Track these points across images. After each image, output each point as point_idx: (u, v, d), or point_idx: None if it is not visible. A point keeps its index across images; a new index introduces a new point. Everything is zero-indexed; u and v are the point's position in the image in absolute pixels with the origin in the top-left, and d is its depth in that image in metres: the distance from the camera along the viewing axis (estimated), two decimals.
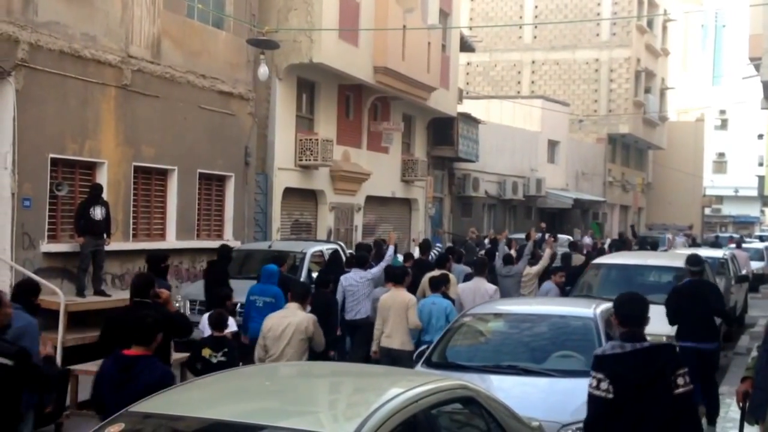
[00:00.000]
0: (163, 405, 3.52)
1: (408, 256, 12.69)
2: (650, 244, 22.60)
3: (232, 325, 7.55)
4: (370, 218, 19.84)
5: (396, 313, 8.20)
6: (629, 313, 4.44)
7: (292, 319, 6.68)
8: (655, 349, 4.40)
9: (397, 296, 8.33)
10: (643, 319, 4.46)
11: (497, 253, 13.06)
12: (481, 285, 9.61)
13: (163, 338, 4.90)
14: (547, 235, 15.02)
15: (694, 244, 26.75)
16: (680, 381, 4.33)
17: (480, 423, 3.96)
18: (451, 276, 10.14)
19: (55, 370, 5.04)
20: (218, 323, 6.90)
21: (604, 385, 4.31)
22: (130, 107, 11.85)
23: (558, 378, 6.15)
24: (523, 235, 17.13)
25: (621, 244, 21.18)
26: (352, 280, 9.77)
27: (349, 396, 3.82)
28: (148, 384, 4.32)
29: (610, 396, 4.26)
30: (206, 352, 6.72)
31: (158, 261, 7.97)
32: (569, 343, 6.71)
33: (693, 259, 8.58)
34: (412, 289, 9.61)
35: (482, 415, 3.95)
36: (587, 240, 23.81)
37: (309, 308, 7.19)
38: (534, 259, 12.62)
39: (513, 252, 13.08)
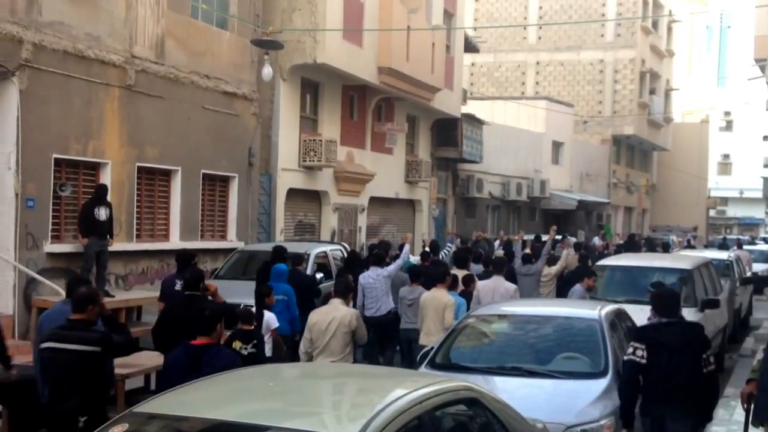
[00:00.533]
0: (168, 405, 3.51)
1: (425, 255, 12.86)
2: (661, 245, 22.48)
3: (272, 320, 7.94)
4: (374, 219, 19.82)
5: (434, 311, 8.45)
6: (664, 305, 5.63)
7: (335, 314, 7.10)
8: (688, 325, 5.74)
9: (436, 296, 8.55)
10: (676, 309, 5.63)
11: (515, 253, 13.31)
12: (501, 284, 9.71)
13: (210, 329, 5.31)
14: (561, 236, 15.19)
15: (689, 246, 25.70)
16: (711, 360, 5.48)
17: (484, 424, 3.94)
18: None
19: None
20: (247, 317, 7.22)
21: (639, 352, 5.39)
22: (133, 108, 11.85)
23: (562, 379, 6.12)
24: (530, 237, 17.21)
25: (631, 246, 21.27)
26: (369, 278, 9.86)
27: (353, 397, 3.80)
28: (217, 369, 4.60)
29: (644, 362, 5.37)
30: (237, 345, 6.92)
31: (188, 258, 8.65)
32: (574, 345, 6.68)
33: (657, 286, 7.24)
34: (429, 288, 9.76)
35: (486, 416, 3.92)
36: (597, 241, 23.71)
37: (352, 303, 7.64)
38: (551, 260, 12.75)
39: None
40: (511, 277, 11.20)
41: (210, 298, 7.16)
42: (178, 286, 8.23)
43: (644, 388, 5.45)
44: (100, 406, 5.22)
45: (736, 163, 55.99)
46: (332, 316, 7.08)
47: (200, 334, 5.14)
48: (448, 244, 17.54)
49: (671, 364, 5.34)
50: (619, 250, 20.01)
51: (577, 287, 10.39)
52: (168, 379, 5.02)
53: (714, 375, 5.53)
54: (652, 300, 5.77)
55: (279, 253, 10.11)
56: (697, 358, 5.38)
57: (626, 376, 5.51)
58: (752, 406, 5.29)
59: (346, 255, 12.45)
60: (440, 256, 13.42)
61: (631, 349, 5.44)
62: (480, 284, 9.95)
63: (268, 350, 7.62)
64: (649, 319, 5.96)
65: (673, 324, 5.51)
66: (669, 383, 5.32)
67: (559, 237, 15.69)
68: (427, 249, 13.90)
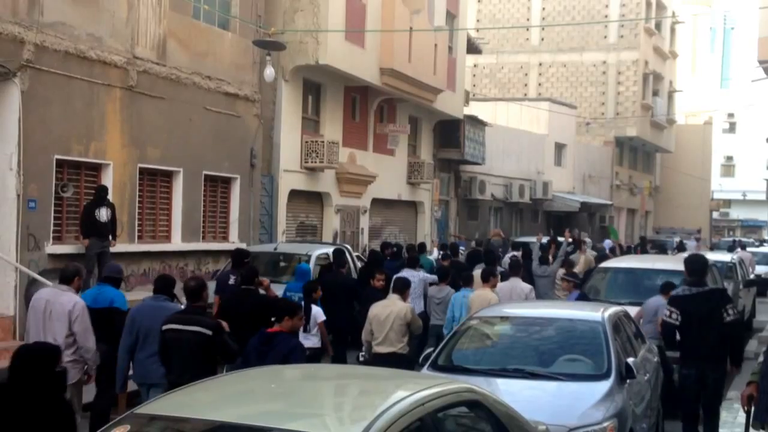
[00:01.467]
0: (169, 407, 3.49)
1: (446, 255, 13.45)
2: (677, 247, 22.77)
3: (319, 313, 8.54)
4: (376, 221, 19.79)
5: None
6: (693, 268, 7.09)
7: (393, 308, 7.90)
8: (711, 292, 7.11)
9: (481, 295, 9.16)
10: (704, 272, 7.16)
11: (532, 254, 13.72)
12: (517, 284, 9.97)
13: (264, 319, 6.25)
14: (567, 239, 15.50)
15: (680, 248, 23.60)
16: (730, 312, 6.87)
17: (486, 426, 3.92)
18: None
19: (235, 346, 6.13)
20: (294, 310, 7.94)
21: (674, 315, 6.92)
22: (135, 108, 11.84)
23: (565, 381, 6.09)
24: (533, 239, 17.18)
25: (644, 247, 22.26)
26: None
27: (355, 399, 3.77)
28: (283, 353, 5.62)
29: (677, 323, 6.91)
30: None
31: (242, 256, 9.79)
32: (577, 347, 6.65)
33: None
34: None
35: (488, 418, 3.90)
36: (608, 244, 23.95)
37: (409, 299, 8.50)
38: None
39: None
40: (529, 278, 11.79)
41: (263, 292, 8.35)
42: (232, 280, 9.42)
43: (682, 347, 6.96)
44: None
45: (740, 165, 55.90)
46: (390, 310, 7.86)
47: (278, 322, 5.97)
48: (461, 247, 17.73)
49: (701, 330, 6.77)
50: (630, 251, 20.41)
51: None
52: (246, 361, 5.78)
53: (734, 324, 6.93)
54: (685, 262, 7.25)
55: (338, 255, 10.89)
56: (720, 318, 6.77)
57: (665, 334, 7.17)
58: (753, 408, 5.27)
59: (350, 257, 12.51)
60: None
61: (668, 312, 7.00)
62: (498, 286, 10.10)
63: (316, 342, 8.36)
64: (680, 286, 7.40)
65: (698, 294, 6.90)
66: (702, 345, 6.75)
67: (570, 240, 15.72)
68: (435, 250, 14.76)
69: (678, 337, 6.99)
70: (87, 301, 6.87)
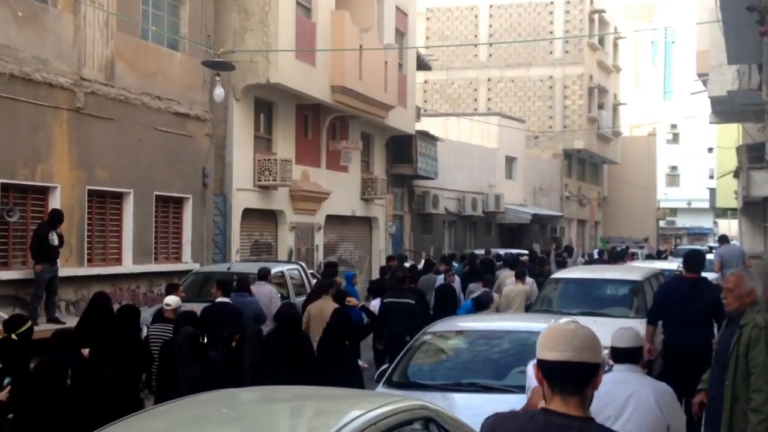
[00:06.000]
0: None
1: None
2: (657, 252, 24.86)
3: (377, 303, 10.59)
4: (331, 237, 19.80)
5: (517, 301, 11.86)
6: (690, 263, 8.01)
7: (519, 288, 12.00)
8: (699, 279, 7.93)
9: (517, 288, 12.05)
10: (699, 266, 8.01)
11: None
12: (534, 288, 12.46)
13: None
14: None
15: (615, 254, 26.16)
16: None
17: None
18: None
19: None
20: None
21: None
22: (83, 130, 11.68)
23: (519, 394, 6.18)
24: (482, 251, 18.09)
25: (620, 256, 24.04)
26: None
27: (310, 420, 3.79)
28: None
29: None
30: None
31: (333, 267, 13.25)
32: (529, 359, 6.73)
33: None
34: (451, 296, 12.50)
35: None
36: (596, 253, 27.05)
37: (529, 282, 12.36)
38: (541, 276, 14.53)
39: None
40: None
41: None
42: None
43: (667, 324, 7.78)
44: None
45: (684, 175, 57.43)
46: (519, 289, 11.89)
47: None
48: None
49: (688, 308, 7.49)
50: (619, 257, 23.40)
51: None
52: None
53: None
54: (683, 258, 8.57)
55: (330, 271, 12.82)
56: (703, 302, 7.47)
57: (653, 311, 8.13)
58: (704, 415, 5.43)
59: (305, 275, 12.61)
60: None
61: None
62: (506, 290, 12.39)
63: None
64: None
65: (687, 280, 7.88)
66: (687, 320, 7.45)
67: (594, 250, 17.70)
68: (423, 261, 16.90)
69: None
70: None
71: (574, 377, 2.47)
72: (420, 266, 15.88)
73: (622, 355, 4.32)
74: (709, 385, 5.32)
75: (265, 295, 10.23)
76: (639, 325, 7.39)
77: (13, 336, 6.54)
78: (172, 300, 8.41)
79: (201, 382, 6.41)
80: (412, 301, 10.04)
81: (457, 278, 13.27)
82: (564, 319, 2.82)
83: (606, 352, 4.18)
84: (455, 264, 17.40)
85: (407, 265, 15.97)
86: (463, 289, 13.14)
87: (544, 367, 2.51)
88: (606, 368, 4.60)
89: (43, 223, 10.58)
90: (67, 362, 5.89)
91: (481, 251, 21.61)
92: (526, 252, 22.81)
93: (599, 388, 2.53)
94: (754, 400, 4.47)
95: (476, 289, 11.97)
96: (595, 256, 26.10)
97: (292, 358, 6.98)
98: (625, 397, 4.10)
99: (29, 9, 10.89)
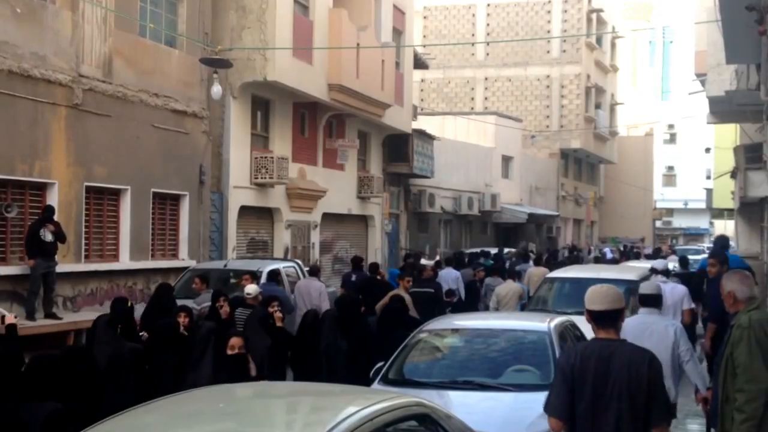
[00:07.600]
0: (116, 430, 3.47)
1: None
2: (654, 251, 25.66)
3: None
4: (327, 235, 19.83)
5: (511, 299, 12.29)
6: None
7: (511, 287, 12.41)
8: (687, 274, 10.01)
9: (510, 287, 12.52)
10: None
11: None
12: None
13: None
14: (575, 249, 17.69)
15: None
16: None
17: None
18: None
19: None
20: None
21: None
22: (81, 127, 11.69)
23: (514, 392, 6.22)
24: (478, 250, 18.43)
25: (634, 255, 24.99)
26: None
27: (306, 416, 3.82)
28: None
29: None
30: None
31: (360, 260, 14.27)
32: (524, 357, 6.79)
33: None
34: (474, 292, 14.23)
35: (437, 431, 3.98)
36: (609, 253, 27.30)
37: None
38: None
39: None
40: None
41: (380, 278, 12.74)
42: (353, 278, 13.15)
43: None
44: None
45: (681, 175, 57.56)
46: (510, 288, 12.23)
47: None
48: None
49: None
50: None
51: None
52: None
53: None
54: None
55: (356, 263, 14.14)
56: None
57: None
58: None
59: (301, 272, 12.66)
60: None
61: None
62: (498, 288, 12.89)
63: None
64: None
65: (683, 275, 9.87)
66: None
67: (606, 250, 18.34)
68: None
69: None
70: None
71: (610, 318, 4.18)
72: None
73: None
74: (713, 382, 5.42)
75: (316, 289, 11.38)
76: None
77: None
78: (252, 289, 9.27)
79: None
80: (432, 290, 11.74)
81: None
82: (600, 284, 4.30)
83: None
84: (482, 261, 18.70)
85: (427, 262, 17.64)
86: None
87: (593, 313, 4.19)
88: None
89: (35, 220, 10.59)
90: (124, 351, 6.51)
91: (476, 250, 21.82)
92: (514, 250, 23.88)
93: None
94: (737, 400, 4.53)
95: (493, 283, 13.53)
96: (608, 255, 26.06)
97: (355, 336, 8.18)
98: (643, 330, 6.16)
99: (28, 5, 10.89)
